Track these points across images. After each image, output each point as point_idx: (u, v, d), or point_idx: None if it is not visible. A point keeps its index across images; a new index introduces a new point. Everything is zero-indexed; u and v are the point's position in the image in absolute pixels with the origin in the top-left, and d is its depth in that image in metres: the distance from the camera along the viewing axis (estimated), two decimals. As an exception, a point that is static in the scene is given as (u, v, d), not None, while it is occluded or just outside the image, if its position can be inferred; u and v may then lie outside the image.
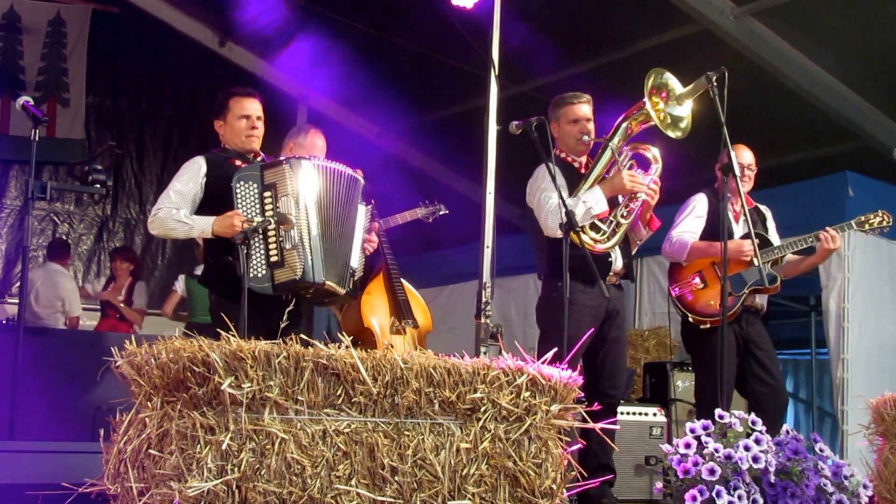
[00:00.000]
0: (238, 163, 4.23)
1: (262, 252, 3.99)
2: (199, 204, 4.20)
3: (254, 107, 4.31)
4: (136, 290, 8.41)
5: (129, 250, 9.28)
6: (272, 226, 3.97)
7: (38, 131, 4.56)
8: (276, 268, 3.97)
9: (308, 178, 4.09)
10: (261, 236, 3.99)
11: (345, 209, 4.21)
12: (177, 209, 4.13)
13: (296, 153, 4.63)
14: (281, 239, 3.96)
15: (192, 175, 4.21)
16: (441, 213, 5.35)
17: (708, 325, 4.91)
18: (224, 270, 4.02)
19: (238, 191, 4.03)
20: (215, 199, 4.11)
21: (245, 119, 4.28)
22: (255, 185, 4.04)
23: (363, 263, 4.35)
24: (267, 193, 4.02)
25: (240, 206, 4.02)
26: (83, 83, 10.22)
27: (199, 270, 7.84)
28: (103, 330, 8.12)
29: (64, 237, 10.03)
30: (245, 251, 3.86)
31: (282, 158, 4.17)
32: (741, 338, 4.92)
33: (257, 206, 4.02)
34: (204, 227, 4.08)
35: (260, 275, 3.97)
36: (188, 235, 4.17)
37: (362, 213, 4.33)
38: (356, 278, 4.27)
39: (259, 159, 4.29)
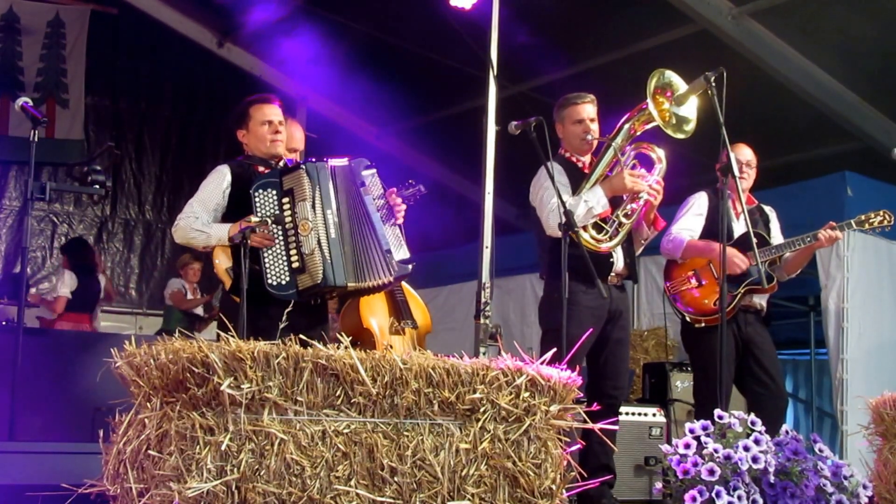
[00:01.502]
0: (262, 169, 4.23)
1: (284, 258, 3.99)
2: (223, 213, 4.21)
3: (275, 112, 4.32)
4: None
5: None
6: (270, 225, 3.96)
7: (37, 132, 4.56)
8: (299, 273, 3.96)
9: (324, 181, 4.09)
10: (282, 243, 3.99)
11: (358, 206, 4.18)
12: (196, 218, 4.14)
13: None
14: (300, 244, 3.97)
15: (216, 185, 4.21)
16: (421, 192, 5.28)
17: (703, 324, 4.91)
18: (249, 278, 3.99)
19: (257, 198, 4.04)
20: (240, 208, 4.10)
21: (267, 125, 4.27)
22: (275, 192, 4.05)
23: (397, 235, 4.21)
24: (285, 199, 4.03)
25: (259, 213, 4.02)
26: (82, 84, 10.23)
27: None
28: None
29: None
30: (244, 251, 3.86)
31: (300, 162, 4.18)
32: (739, 338, 4.92)
33: (276, 212, 4.03)
34: (220, 234, 4.09)
35: (284, 282, 3.97)
36: (207, 243, 4.16)
37: (368, 194, 4.21)
38: (396, 258, 4.13)
39: (282, 163, 4.29)
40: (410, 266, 4.19)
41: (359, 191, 4.20)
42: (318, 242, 3.99)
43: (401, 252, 4.17)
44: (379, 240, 4.14)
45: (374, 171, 4.29)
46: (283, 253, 3.99)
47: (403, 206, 4.31)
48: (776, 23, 7.58)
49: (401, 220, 4.26)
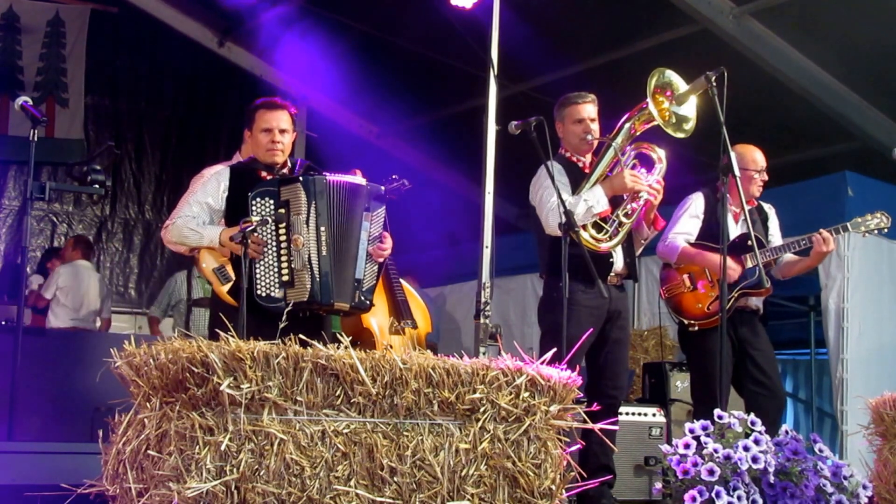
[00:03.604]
0: (265, 174, 4.20)
1: (275, 271, 3.98)
2: (222, 217, 4.19)
3: (278, 120, 4.22)
4: None
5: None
6: (271, 226, 3.96)
7: (36, 131, 4.56)
8: (288, 287, 3.96)
9: (320, 196, 4.04)
10: (274, 254, 3.97)
11: (353, 223, 4.13)
12: (193, 217, 4.12)
13: None
14: (291, 259, 3.96)
15: (213, 189, 4.18)
16: (405, 187, 5.26)
17: (696, 328, 4.90)
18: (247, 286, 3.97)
19: (254, 207, 4.01)
20: (237, 212, 4.07)
21: (267, 132, 4.20)
22: (272, 201, 4.02)
23: (374, 272, 4.24)
24: (281, 211, 4.00)
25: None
26: (82, 83, 10.22)
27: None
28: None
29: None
30: (244, 251, 3.85)
31: (298, 174, 4.14)
32: (735, 339, 4.90)
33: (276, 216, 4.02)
34: (213, 236, 4.06)
35: (274, 294, 3.96)
36: (199, 244, 4.13)
37: (367, 220, 4.19)
38: (364, 289, 4.16)
39: (284, 171, 4.25)
40: (369, 303, 4.21)
41: (361, 213, 4.16)
42: (309, 258, 3.96)
43: (366, 289, 4.18)
44: (356, 266, 4.11)
45: (384, 206, 4.25)
46: (275, 265, 3.97)
47: (388, 252, 4.30)
48: (777, 22, 7.57)
49: (380, 261, 4.27)
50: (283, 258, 3.97)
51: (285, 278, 3.96)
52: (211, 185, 4.20)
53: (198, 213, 4.13)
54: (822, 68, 7.86)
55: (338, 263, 4.05)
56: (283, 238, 3.99)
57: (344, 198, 4.12)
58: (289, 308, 3.78)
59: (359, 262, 4.14)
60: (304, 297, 3.93)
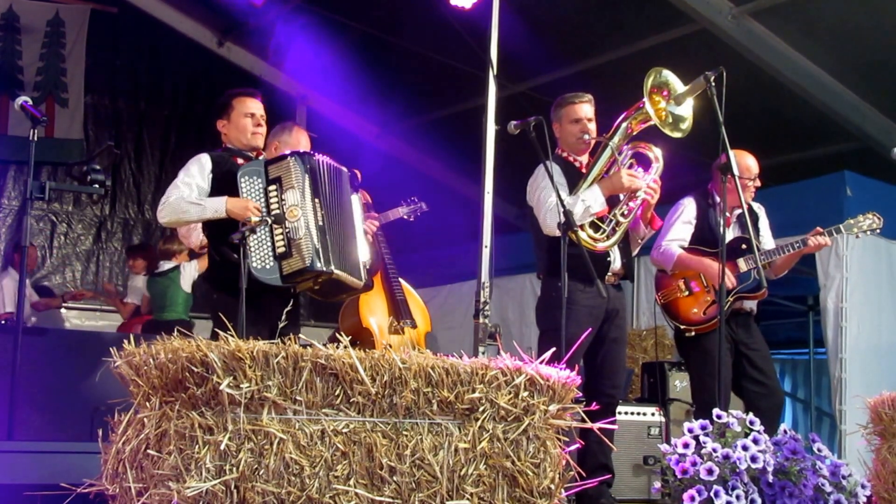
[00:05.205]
0: (241, 161, 4.30)
1: (268, 245, 4.01)
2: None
3: (258, 106, 4.42)
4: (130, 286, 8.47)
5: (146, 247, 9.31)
6: (268, 226, 3.99)
7: (36, 131, 4.56)
8: (284, 258, 4.01)
9: (312, 171, 4.16)
10: (267, 229, 4.02)
11: (341, 200, 4.28)
12: (189, 193, 4.19)
13: (282, 151, 4.66)
14: (287, 230, 3.99)
15: (199, 169, 4.27)
16: (423, 210, 5.36)
17: (693, 333, 4.90)
18: (227, 267, 4.03)
19: (243, 185, 4.10)
20: (221, 195, 4.16)
21: (250, 117, 4.37)
22: (260, 180, 4.12)
23: (371, 253, 4.44)
24: (272, 187, 4.09)
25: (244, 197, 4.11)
26: (82, 83, 10.20)
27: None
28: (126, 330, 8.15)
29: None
30: (243, 251, 3.88)
31: (286, 153, 4.24)
32: (732, 340, 4.91)
33: (262, 199, 4.08)
34: (217, 206, 4.11)
35: (268, 266, 4.00)
36: (201, 216, 4.17)
37: (356, 202, 4.40)
38: (368, 268, 4.34)
39: (262, 157, 4.36)
40: (372, 283, 4.46)
41: (350, 197, 4.35)
42: (308, 226, 4.03)
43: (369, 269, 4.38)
44: (358, 246, 4.29)
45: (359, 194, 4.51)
46: (268, 239, 4.02)
47: (376, 226, 4.66)
48: (776, 22, 7.57)
49: (370, 239, 4.50)
50: (278, 231, 4.02)
51: (280, 250, 4.01)
52: (194, 167, 4.29)
53: (190, 193, 4.21)
54: (821, 68, 7.85)
55: (337, 236, 4.17)
56: (274, 209, 4.05)
57: (333, 175, 4.28)
58: (280, 282, 3.96)
59: (360, 242, 4.30)
60: (305, 264, 3.98)
